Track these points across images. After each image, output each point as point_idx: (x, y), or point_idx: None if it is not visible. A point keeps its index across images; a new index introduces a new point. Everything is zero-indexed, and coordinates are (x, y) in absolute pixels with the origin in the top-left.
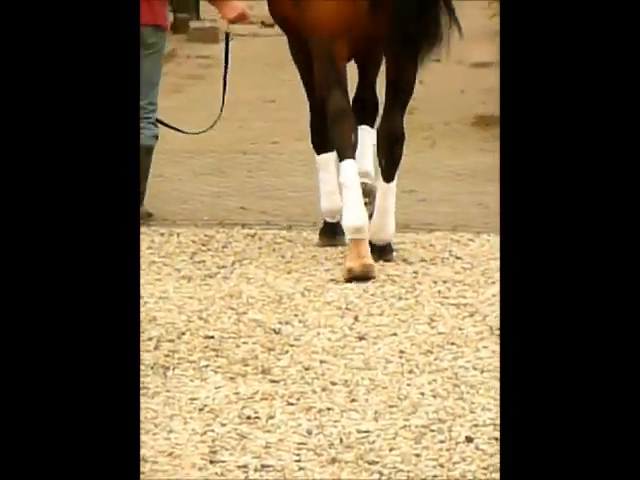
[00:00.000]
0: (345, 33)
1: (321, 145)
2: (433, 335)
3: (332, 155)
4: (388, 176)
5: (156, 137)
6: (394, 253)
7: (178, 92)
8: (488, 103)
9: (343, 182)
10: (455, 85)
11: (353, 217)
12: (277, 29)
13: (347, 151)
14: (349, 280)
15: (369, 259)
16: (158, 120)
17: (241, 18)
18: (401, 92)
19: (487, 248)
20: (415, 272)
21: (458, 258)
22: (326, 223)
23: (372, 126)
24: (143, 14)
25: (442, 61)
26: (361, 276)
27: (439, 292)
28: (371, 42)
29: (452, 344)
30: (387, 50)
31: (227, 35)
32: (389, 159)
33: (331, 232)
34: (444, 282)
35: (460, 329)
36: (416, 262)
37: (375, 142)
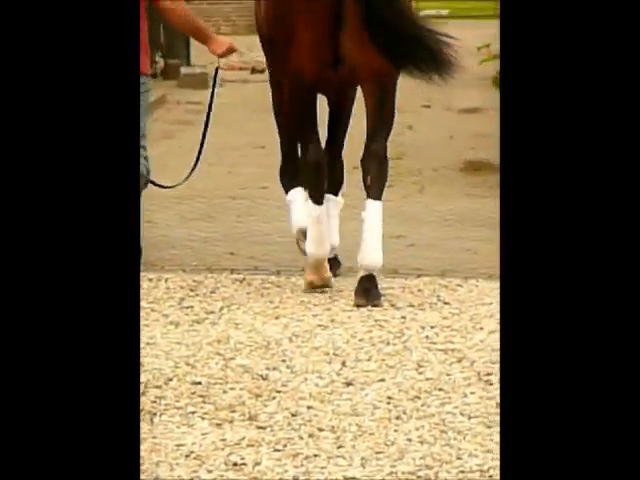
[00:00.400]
0: (318, 80)
1: (290, 185)
2: (421, 381)
3: (300, 189)
4: (376, 194)
5: (148, 171)
6: (382, 298)
7: (168, 138)
8: (477, 149)
9: (310, 221)
10: (444, 131)
11: (317, 248)
12: (265, 75)
13: (318, 198)
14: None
15: (327, 272)
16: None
17: (229, 52)
18: (385, 116)
19: (475, 293)
20: (403, 317)
21: (446, 303)
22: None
23: (337, 194)
24: None
25: (431, 107)
26: (322, 285)
27: (427, 337)
28: (344, 89)
29: (440, 390)
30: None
31: (216, 69)
32: (377, 178)
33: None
34: (432, 327)
35: (448, 375)
36: (404, 307)
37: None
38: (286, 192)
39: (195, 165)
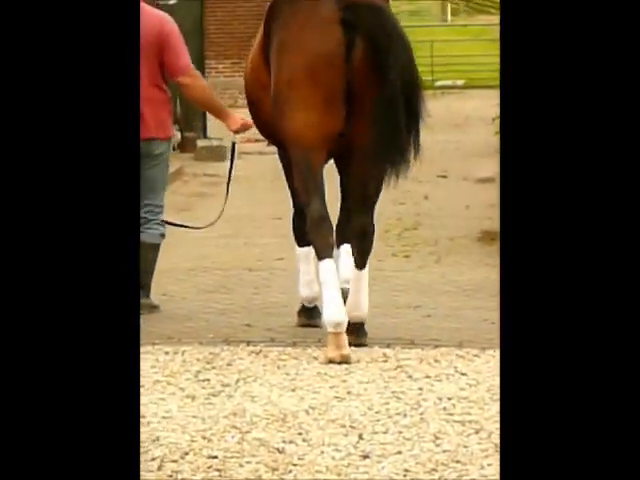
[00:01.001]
0: (323, 145)
1: (301, 239)
2: (438, 453)
3: (311, 248)
4: (361, 265)
5: (163, 235)
6: (367, 337)
7: (185, 210)
8: (493, 218)
9: (322, 280)
10: (460, 200)
11: (333, 313)
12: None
13: (325, 252)
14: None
15: (347, 349)
16: (165, 221)
17: (244, 129)
18: (371, 193)
19: (493, 364)
20: (420, 389)
21: (463, 374)
22: (304, 307)
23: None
24: (151, 128)
25: (448, 177)
26: (340, 362)
27: (444, 409)
28: (351, 152)
29: (457, 462)
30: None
31: (233, 144)
32: (361, 251)
33: (308, 315)
34: (449, 399)
35: (465, 447)
36: (421, 378)
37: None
38: (298, 246)
39: (220, 214)
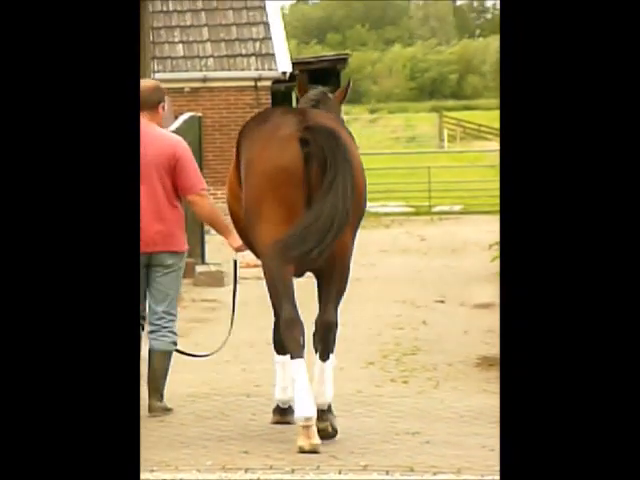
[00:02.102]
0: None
1: (280, 347)
2: None
3: (287, 357)
4: (323, 356)
5: (175, 343)
6: (330, 423)
7: (184, 336)
8: (491, 344)
9: (294, 378)
10: (458, 326)
11: (303, 409)
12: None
13: (296, 352)
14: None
15: (316, 439)
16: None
17: (245, 247)
18: (332, 292)
19: None
20: None
21: None
22: (279, 406)
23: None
24: (166, 242)
25: (445, 302)
26: (309, 451)
27: None
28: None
29: None
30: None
31: (235, 262)
32: (324, 344)
33: (282, 413)
34: None
35: None
36: None
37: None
38: (277, 353)
39: (226, 339)
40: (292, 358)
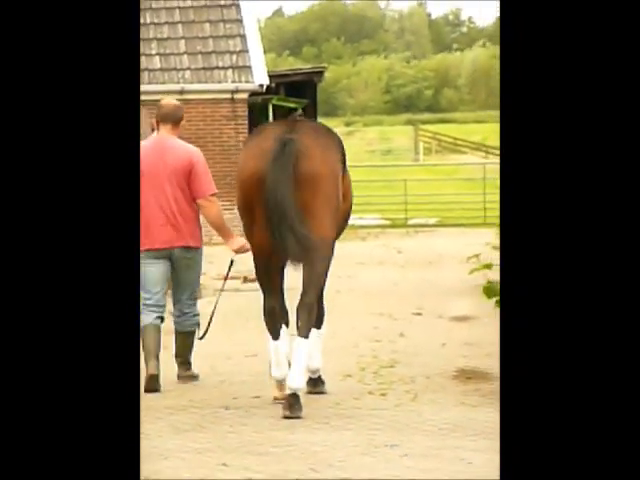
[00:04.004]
0: (273, 253)
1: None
2: None
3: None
4: (302, 333)
5: (197, 324)
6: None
7: (164, 348)
8: (468, 357)
9: (269, 350)
10: (436, 338)
11: (276, 371)
12: (258, 284)
13: (275, 337)
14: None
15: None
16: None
17: (243, 250)
18: (316, 277)
19: None
20: None
21: None
22: (277, 382)
23: (319, 327)
24: (186, 237)
25: (423, 314)
26: (281, 399)
27: None
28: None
29: None
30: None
31: (231, 261)
32: (304, 322)
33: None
34: None
35: None
36: None
37: (320, 343)
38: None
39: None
40: (273, 339)
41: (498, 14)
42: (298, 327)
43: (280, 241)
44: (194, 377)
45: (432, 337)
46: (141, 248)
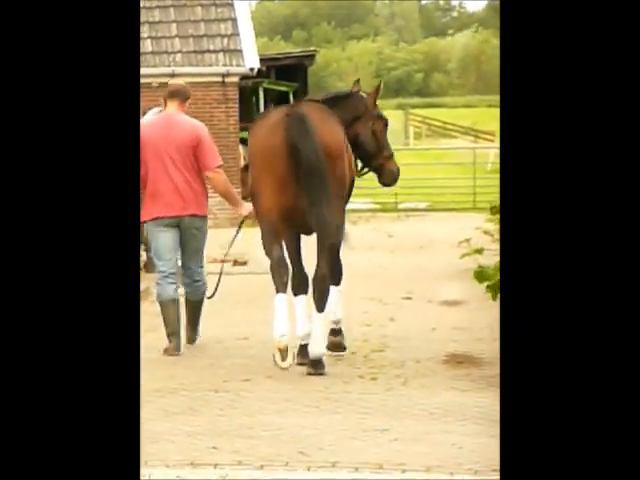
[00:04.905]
0: (281, 217)
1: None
2: None
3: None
4: (319, 307)
5: (204, 292)
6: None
7: (151, 331)
8: (458, 341)
9: (275, 307)
10: (426, 322)
11: (278, 329)
12: (248, 268)
13: (281, 288)
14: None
15: (288, 359)
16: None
17: (252, 215)
18: (328, 250)
19: None
20: None
21: None
22: (300, 346)
23: (338, 284)
24: (194, 206)
25: (413, 299)
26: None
27: None
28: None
29: None
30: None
31: (241, 222)
32: (319, 296)
33: (303, 354)
34: None
35: None
36: None
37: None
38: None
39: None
40: (277, 292)
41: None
42: (314, 299)
43: (312, 207)
44: (193, 340)
45: (422, 321)
46: (151, 216)
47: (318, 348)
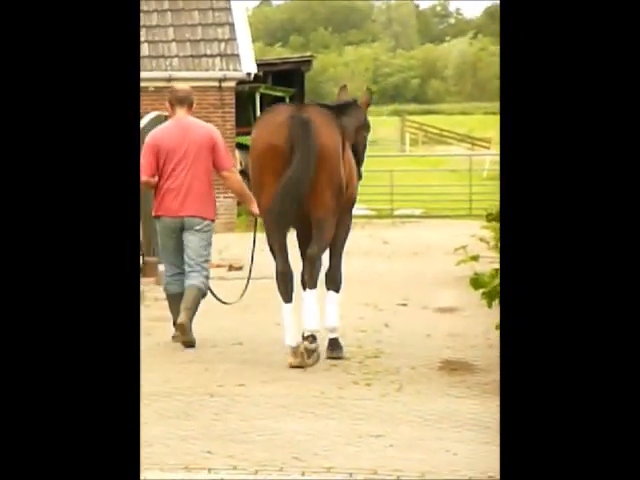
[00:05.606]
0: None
1: (303, 285)
2: None
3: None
4: (309, 285)
5: (205, 284)
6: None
7: (146, 335)
8: (453, 348)
9: (283, 317)
10: (421, 329)
11: (288, 337)
12: (243, 273)
13: (285, 299)
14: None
15: (302, 358)
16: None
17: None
18: (322, 235)
19: None
20: None
21: None
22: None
23: (337, 291)
24: (197, 208)
25: (408, 305)
26: (296, 366)
27: None
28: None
29: None
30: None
31: (256, 219)
32: (309, 274)
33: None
34: None
35: None
36: None
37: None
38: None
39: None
40: (284, 302)
41: (486, 6)
42: (302, 280)
43: (291, 204)
44: (191, 343)
45: (417, 328)
46: (156, 213)
47: (311, 324)
